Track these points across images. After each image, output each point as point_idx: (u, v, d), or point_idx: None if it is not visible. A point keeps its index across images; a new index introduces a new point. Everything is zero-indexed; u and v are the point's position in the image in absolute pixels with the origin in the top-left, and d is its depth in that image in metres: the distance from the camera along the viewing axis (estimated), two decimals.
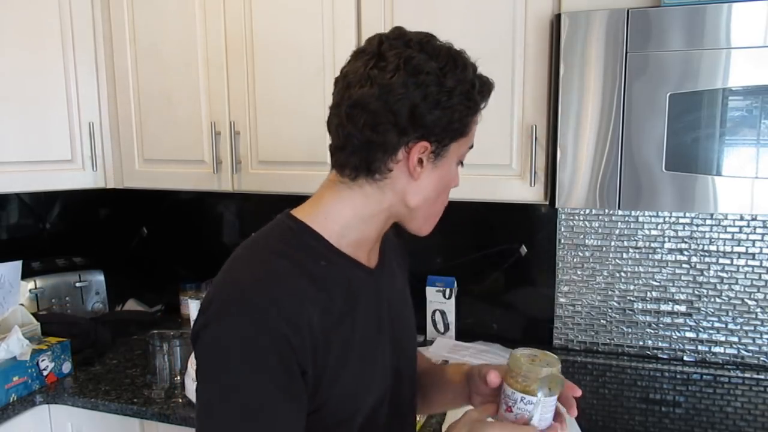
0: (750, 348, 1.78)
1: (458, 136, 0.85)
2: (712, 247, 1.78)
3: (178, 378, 1.72)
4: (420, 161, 0.84)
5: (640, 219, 1.83)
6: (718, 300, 1.79)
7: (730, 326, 1.79)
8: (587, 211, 1.87)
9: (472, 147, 0.91)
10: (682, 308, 1.82)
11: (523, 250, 1.95)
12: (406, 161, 0.84)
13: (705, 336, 1.82)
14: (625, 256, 1.85)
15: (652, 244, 1.83)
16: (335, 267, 0.86)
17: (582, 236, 1.88)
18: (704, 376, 1.75)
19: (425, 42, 0.82)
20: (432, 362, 1.19)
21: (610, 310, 1.89)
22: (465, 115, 0.84)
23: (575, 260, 1.90)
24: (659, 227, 1.81)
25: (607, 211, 1.84)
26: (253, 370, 0.75)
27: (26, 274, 2.01)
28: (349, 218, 0.88)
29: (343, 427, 0.88)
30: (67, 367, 1.80)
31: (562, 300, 1.93)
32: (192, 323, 1.56)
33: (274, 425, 0.76)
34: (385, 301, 0.93)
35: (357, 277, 0.88)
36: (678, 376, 1.75)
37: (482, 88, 0.85)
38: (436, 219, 0.94)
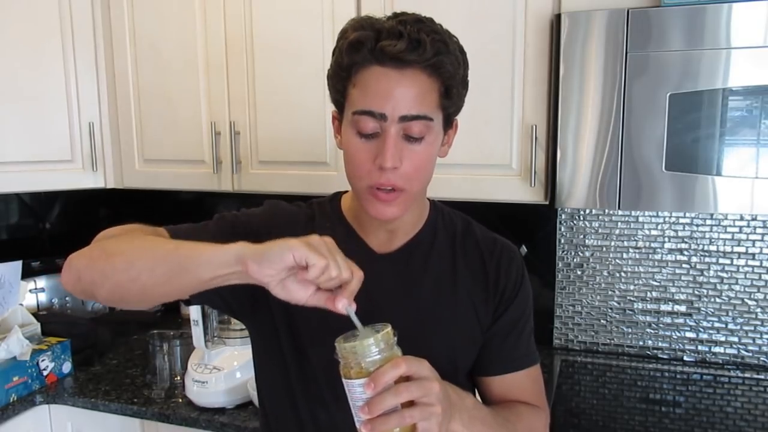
0: (750, 348, 1.78)
1: (339, 101, 0.91)
2: (712, 247, 1.78)
3: (178, 378, 1.72)
4: (338, 129, 0.93)
5: (640, 219, 1.83)
6: (718, 300, 1.79)
7: (730, 326, 1.79)
8: (587, 211, 1.87)
9: (370, 113, 0.85)
10: (682, 308, 1.82)
11: (523, 250, 1.95)
12: (333, 126, 0.96)
13: (705, 336, 1.81)
14: (625, 256, 1.85)
15: (652, 244, 1.82)
16: (334, 233, 0.83)
17: (582, 236, 1.88)
18: (704, 376, 1.75)
19: None
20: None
21: (610, 310, 1.89)
22: (335, 81, 0.91)
23: (575, 260, 1.90)
24: (659, 227, 1.81)
25: (607, 211, 1.84)
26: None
27: (26, 274, 2.01)
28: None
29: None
30: (67, 367, 1.80)
31: (562, 300, 1.93)
32: (191, 323, 1.57)
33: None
34: (368, 290, 0.79)
35: (350, 250, 0.79)
36: (678, 376, 1.75)
37: (346, 48, 0.88)
38: (373, 199, 0.88)
